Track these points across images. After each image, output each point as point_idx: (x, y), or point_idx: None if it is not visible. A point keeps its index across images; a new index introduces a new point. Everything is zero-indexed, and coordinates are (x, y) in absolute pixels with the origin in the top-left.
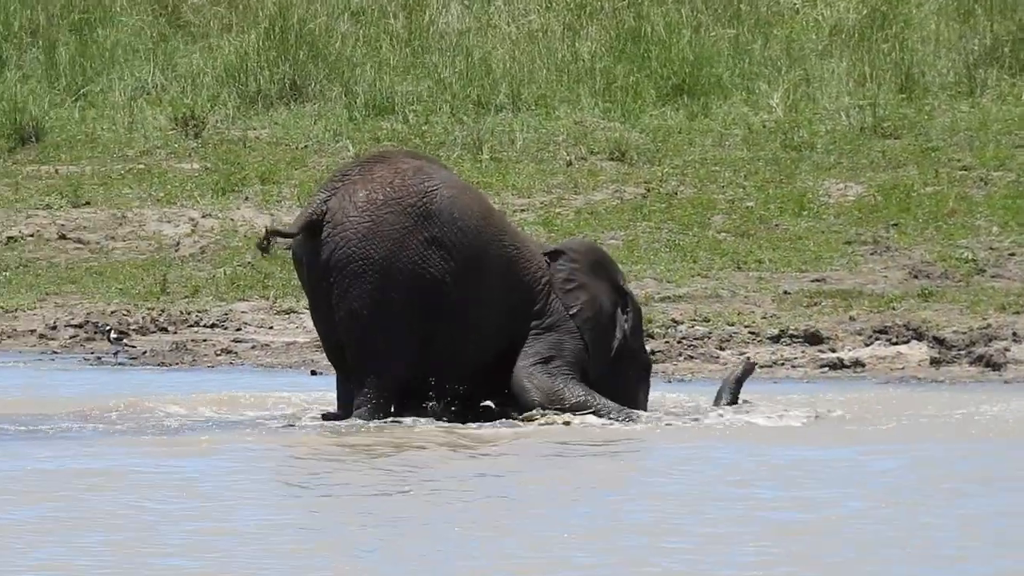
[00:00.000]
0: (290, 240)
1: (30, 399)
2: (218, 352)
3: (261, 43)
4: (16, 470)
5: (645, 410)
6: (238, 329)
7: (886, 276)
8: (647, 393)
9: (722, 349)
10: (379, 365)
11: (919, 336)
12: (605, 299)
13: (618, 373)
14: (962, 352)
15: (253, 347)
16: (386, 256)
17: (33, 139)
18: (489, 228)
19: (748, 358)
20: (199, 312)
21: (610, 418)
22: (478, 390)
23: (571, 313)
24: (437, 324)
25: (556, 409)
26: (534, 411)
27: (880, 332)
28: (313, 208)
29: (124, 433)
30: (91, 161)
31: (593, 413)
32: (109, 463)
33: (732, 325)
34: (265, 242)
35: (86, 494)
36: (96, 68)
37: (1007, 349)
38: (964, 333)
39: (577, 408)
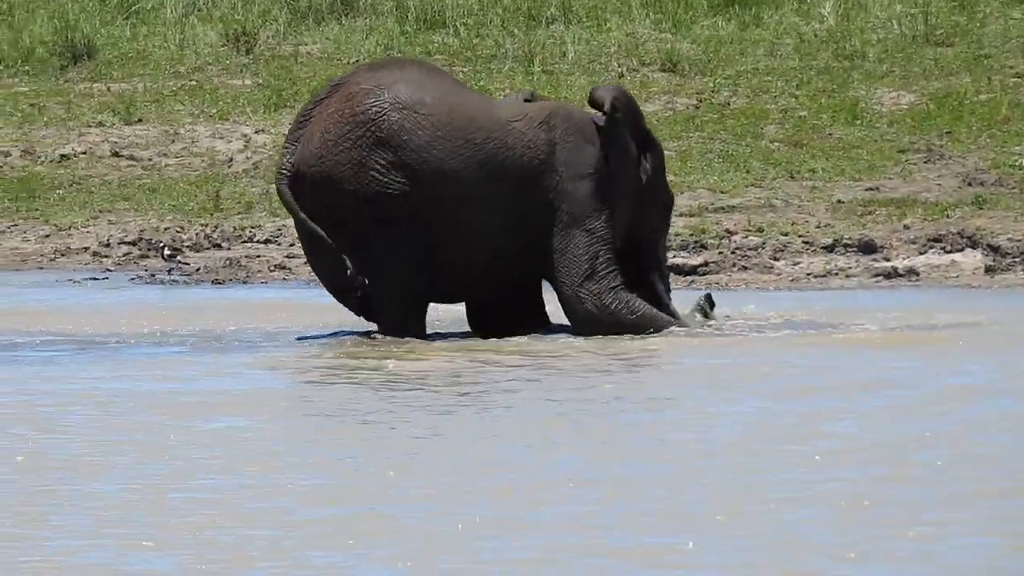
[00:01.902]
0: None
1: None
2: (271, 268)
3: None
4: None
5: (664, 255)
6: (291, 244)
7: (940, 184)
8: (666, 232)
9: (776, 259)
10: (393, 300)
11: (973, 244)
12: (633, 145)
13: (642, 212)
14: (1017, 259)
15: (306, 262)
16: (352, 194)
17: (85, 57)
18: (450, 136)
19: None
20: (252, 228)
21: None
22: (501, 296)
23: (613, 169)
24: (431, 242)
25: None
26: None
27: (934, 240)
28: (283, 168)
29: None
30: (143, 78)
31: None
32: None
33: (786, 235)
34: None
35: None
36: None
37: None
38: (1019, 240)
39: (635, 329)
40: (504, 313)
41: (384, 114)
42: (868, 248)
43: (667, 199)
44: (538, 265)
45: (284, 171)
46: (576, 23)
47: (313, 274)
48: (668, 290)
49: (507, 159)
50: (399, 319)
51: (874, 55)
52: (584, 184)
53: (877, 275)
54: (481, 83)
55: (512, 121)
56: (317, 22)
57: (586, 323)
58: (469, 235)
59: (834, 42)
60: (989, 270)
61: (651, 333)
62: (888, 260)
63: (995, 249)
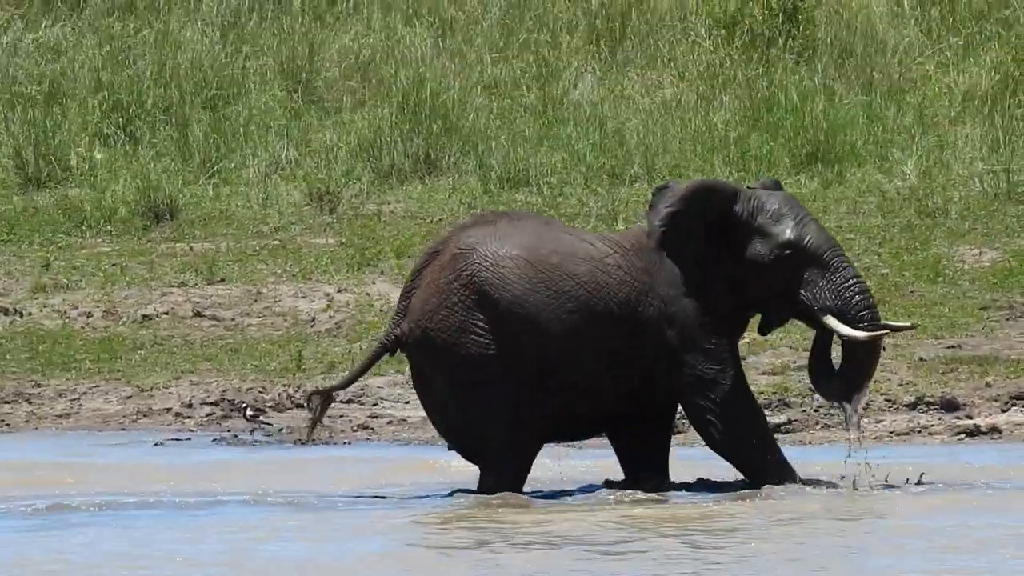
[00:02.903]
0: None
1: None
2: (355, 428)
3: (394, 117)
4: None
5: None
6: (374, 404)
7: (1022, 342)
8: (816, 270)
9: None
10: (491, 460)
11: None
12: (705, 239)
13: (762, 286)
14: None
15: (390, 422)
16: (453, 358)
17: (167, 217)
18: (538, 288)
19: None
20: None
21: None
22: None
23: (703, 274)
24: (537, 394)
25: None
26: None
27: (1017, 398)
28: (388, 339)
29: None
30: (225, 238)
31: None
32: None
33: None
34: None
35: None
36: (229, 145)
37: None
38: None
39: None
40: (639, 443)
41: (475, 275)
42: (950, 406)
43: (781, 246)
44: (656, 393)
45: (385, 342)
46: (659, 180)
47: (397, 434)
48: (859, 317)
49: (600, 300)
50: (498, 478)
51: (956, 212)
52: (687, 303)
53: (959, 433)
54: None
55: (604, 257)
56: (400, 181)
57: (719, 448)
58: (574, 379)
59: (916, 200)
60: None
61: (776, 482)
62: (971, 418)
63: None
